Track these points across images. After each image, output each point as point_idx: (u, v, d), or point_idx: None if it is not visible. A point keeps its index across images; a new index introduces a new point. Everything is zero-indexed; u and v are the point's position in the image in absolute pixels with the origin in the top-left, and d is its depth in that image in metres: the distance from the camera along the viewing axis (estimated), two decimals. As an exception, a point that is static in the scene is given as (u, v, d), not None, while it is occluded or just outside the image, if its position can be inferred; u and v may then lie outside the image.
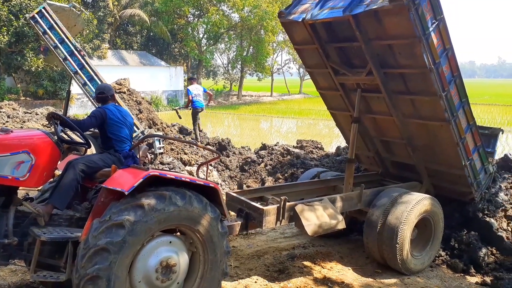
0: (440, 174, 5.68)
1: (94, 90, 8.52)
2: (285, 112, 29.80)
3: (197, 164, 9.19)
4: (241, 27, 36.69)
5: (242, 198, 4.76)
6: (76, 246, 3.19)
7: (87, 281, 2.97)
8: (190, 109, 12.01)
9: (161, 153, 9.16)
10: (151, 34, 37.28)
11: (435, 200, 5.23)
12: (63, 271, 3.26)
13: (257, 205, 4.53)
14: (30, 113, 14.92)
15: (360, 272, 5.10)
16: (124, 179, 3.26)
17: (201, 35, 37.86)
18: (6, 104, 15.96)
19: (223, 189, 8.26)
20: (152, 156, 9.04)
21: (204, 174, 4.87)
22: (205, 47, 37.94)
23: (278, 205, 4.50)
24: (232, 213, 4.84)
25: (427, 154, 5.57)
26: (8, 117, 13.79)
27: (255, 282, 4.67)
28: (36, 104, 21.59)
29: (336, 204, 4.94)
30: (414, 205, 4.93)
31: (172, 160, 9.03)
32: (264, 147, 10.49)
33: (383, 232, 4.93)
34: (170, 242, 3.42)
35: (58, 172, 3.82)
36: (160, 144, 9.16)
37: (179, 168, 8.76)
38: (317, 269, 5.09)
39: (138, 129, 8.78)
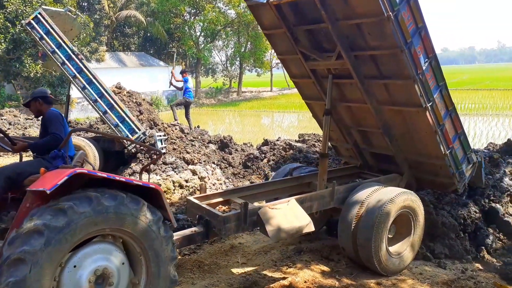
0: (421, 165, 5.38)
1: (93, 93, 8.51)
2: (286, 106, 29.77)
3: (200, 163, 9.18)
4: (238, 23, 36.61)
5: (201, 204, 4.45)
6: None
7: None
8: (186, 100, 12.98)
9: (164, 153, 9.16)
10: (148, 34, 37.25)
11: (414, 194, 4.88)
12: None
13: (216, 211, 4.22)
14: (32, 119, 14.94)
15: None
16: (48, 180, 2.96)
17: (198, 33, 37.78)
18: (7, 112, 16.01)
19: (226, 186, 8.26)
20: (155, 156, 9.04)
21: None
22: (202, 45, 37.85)
23: (239, 210, 4.15)
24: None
25: (405, 144, 5.28)
26: (10, 124, 13.83)
27: (264, 277, 4.67)
28: (37, 110, 21.60)
29: (305, 204, 4.60)
30: (388, 202, 4.57)
31: (175, 159, 9.02)
32: (266, 142, 10.47)
33: (358, 231, 4.62)
34: (105, 250, 3.07)
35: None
36: (162, 144, 9.16)
37: (182, 167, 8.76)
38: (325, 262, 5.09)
39: (139, 130, 8.77)
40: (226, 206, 4.65)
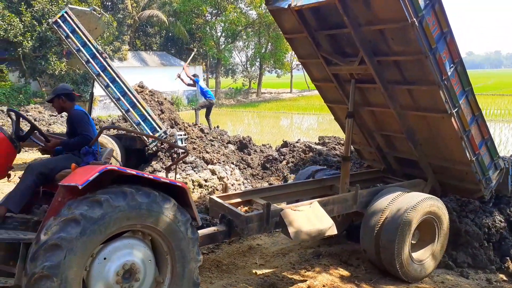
0: (446, 171, 5.27)
1: (117, 91, 8.64)
2: (306, 108, 29.61)
3: (219, 163, 9.21)
4: (259, 24, 36.62)
5: (224, 203, 4.49)
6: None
7: (35, 281, 2.69)
8: (210, 102, 13.08)
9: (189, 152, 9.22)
10: (170, 34, 37.62)
11: (438, 201, 4.83)
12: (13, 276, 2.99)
13: (238, 211, 4.24)
14: (56, 116, 15.27)
15: (388, 269, 4.99)
16: (79, 175, 3.05)
17: (219, 34, 37.97)
18: (32, 108, 16.42)
19: (245, 187, 8.26)
20: (175, 155, 9.11)
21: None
22: (223, 46, 38.03)
23: (262, 211, 4.19)
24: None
25: (430, 149, 5.19)
26: (35, 120, 14.17)
27: (282, 280, 4.65)
28: (61, 106, 22.03)
29: (327, 207, 4.59)
30: (413, 207, 4.54)
31: (195, 159, 9.07)
32: (285, 144, 10.42)
33: (381, 236, 4.59)
34: (134, 245, 3.13)
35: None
36: (182, 143, 9.22)
37: (202, 167, 8.80)
38: (344, 266, 5.03)
39: (161, 129, 8.85)
40: (248, 206, 4.69)
